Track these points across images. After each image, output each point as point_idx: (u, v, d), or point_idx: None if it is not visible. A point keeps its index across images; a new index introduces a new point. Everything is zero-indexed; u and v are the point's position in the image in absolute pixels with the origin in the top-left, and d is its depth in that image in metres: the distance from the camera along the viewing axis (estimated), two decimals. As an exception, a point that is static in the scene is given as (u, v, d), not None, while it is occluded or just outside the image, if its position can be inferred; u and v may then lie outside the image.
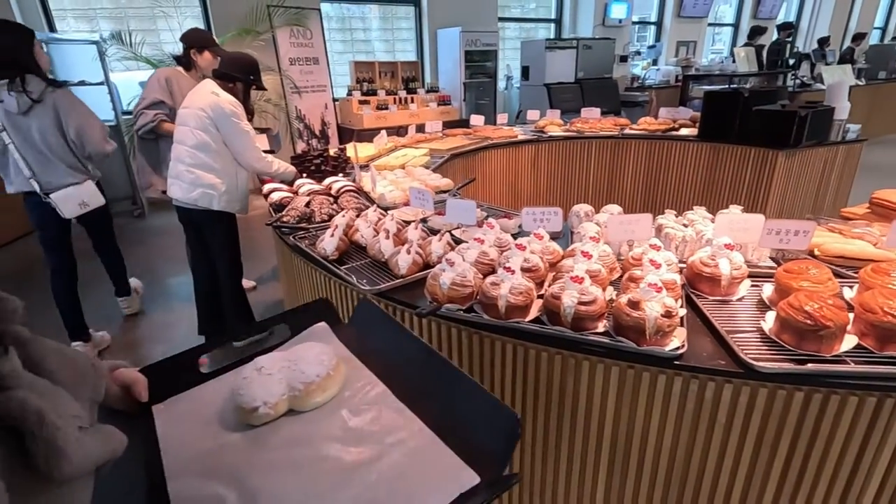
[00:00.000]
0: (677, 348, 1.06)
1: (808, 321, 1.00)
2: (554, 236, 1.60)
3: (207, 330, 2.82)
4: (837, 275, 1.38)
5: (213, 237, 2.51)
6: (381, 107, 6.26)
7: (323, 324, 0.88)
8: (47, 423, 0.42)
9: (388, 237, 1.59)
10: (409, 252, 1.48)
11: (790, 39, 7.88)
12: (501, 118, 4.61)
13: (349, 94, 6.34)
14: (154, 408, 0.72)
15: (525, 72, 7.46)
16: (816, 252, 1.48)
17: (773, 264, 1.46)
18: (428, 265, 1.53)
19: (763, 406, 1.04)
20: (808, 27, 11.64)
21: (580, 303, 1.11)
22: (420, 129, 4.17)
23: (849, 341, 1.03)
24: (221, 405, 0.73)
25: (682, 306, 1.22)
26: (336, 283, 1.59)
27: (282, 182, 2.55)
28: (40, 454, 0.42)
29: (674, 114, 4.38)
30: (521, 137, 4.13)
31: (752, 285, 1.32)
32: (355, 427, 0.67)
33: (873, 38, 11.91)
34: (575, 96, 7.32)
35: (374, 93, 6.39)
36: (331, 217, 2.00)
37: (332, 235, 1.64)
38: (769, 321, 1.13)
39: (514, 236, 1.72)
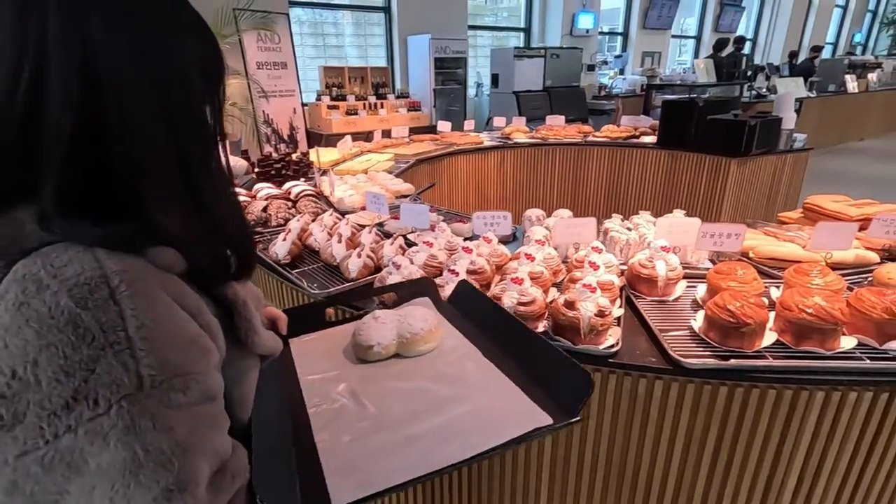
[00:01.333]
0: (612, 346, 1.10)
1: (731, 319, 1.06)
2: (505, 240, 1.63)
3: None
4: (768, 275, 1.46)
5: None
6: (351, 112, 6.25)
7: (426, 298, 1.03)
8: (248, 308, 0.58)
9: (340, 241, 1.60)
10: (360, 256, 1.49)
11: (744, 52, 8.22)
12: (468, 124, 4.67)
13: (318, 98, 6.31)
14: (291, 341, 0.88)
15: (495, 79, 7.56)
16: (751, 254, 1.55)
17: (711, 265, 1.53)
18: (380, 269, 1.54)
19: (692, 401, 1.09)
20: (765, 41, 12.18)
21: (519, 303, 1.14)
22: (387, 134, 4.18)
23: (769, 337, 1.09)
24: (343, 345, 0.89)
25: (620, 306, 1.27)
26: (288, 287, 1.59)
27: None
28: (242, 328, 0.58)
29: (635, 122, 4.52)
30: (486, 144, 4.19)
31: (689, 286, 1.38)
32: (449, 373, 0.79)
33: (825, 54, 12.52)
34: (543, 104, 7.45)
35: (343, 98, 6.38)
36: (287, 221, 1.99)
37: (285, 240, 1.63)
38: (699, 320, 1.18)
39: (470, 240, 1.75)
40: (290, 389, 0.78)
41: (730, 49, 7.98)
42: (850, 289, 1.26)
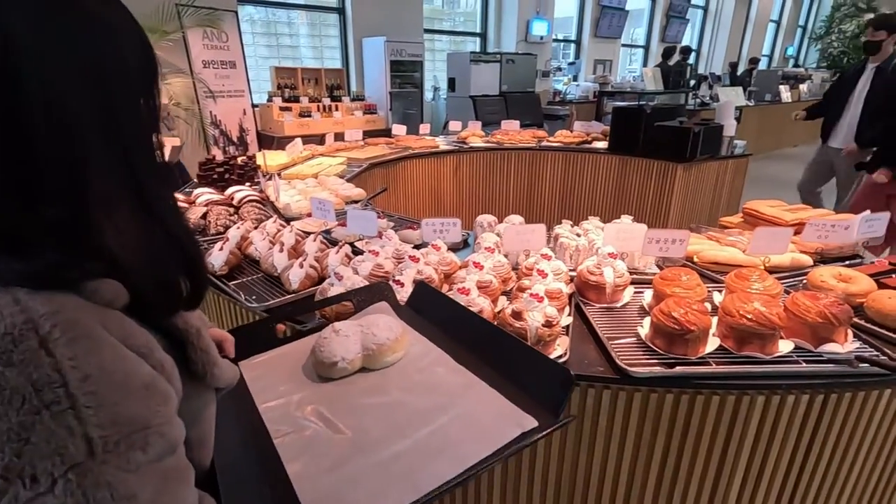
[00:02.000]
0: (559, 357, 1.08)
1: (675, 326, 1.06)
2: (456, 247, 1.60)
3: None
4: (711, 279, 1.49)
5: None
6: (304, 114, 6.08)
7: (384, 303, 0.97)
8: (203, 337, 0.52)
9: (281, 250, 1.51)
10: (302, 266, 1.41)
11: (689, 62, 8.61)
12: (424, 128, 4.63)
13: (269, 100, 6.11)
14: (241, 363, 0.79)
15: (451, 83, 7.57)
16: (695, 258, 1.58)
17: (658, 271, 1.55)
18: (324, 279, 1.47)
19: (639, 409, 1.08)
20: (707, 52, 12.81)
21: (466, 315, 1.10)
22: (340, 137, 4.08)
23: (713, 343, 1.10)
24: (301, 363, 0.82)
25: (569, 314, 1.26)
26: (225, 300, 1.49)
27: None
28: (199, 362, 0.51)
29: (587, 127, 4.62)
30: (442, 148, 4.17)
31: (636, 291, 1.39)
32: (422, 382, 0.74)
33: (761, 65, 13.30)
34: (500, 108, 7.52)
35: (296, 99, 6.21)
36: (227, 229, 1.88)
37: (221, 249, 1.53)
38: (646, 327, 1.18)
39: (419, 248, 1.70)
40: (249, 420, 0.71)
41: (677, 58, 8.34)
42: (788, 292, 1.29)
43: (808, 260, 1.56)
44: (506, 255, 1.57)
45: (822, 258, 1.63)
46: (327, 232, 1.86)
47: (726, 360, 1.08)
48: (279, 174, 2.98)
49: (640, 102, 6.61)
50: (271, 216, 2.01)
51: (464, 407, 0.68)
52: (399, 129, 4.46)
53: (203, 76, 5.45)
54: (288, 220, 2.08)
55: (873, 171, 3.23)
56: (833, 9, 13.95)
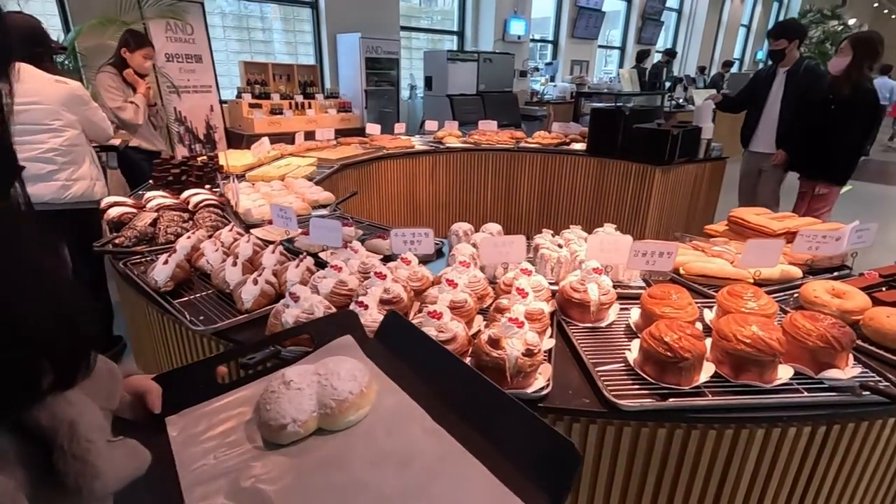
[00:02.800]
0: (541, 389, 0.96)
1: (668, 353, 0.96)
2: (429, 258, 1.47)
3: None
4: (699, 294, 1.40)
5: (84, 237, 2.23)
6: (275, 111, 5.85)
7: (349, 337, 0.79)
8: (79, 436, 0.38)
9: (234, 264, 1.36)
10: (256, 282, 1.26)
11: (668, 65, 8.68)
12: (399, 127, 4.49)
13: (238, 96, 5.87)
14: (168, 420, 0.65)
15: (428, 82, 7.44)
16: (681, 270, 1.49)
17: (644, 284, 1.46)
18: (282, 296, 1.33)
19: (629, 444, 0.98)
20: (681, 55, 12.98)
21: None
22: (311, 136, 3.90)
23: (707, 369, 1.00)
24: (244, 419, 0.66)
25: (551, 336, 1.15)
26: (170, 321, 1.33)
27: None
28: (71, 472, 0.37)
29: (565, 128, 4.55)
30: (418, 148, 4.03)
31: (622, 309, 1.29)
32: (391, 451, 0.60)
33: (733, 68, 13.57)
34: (477, 108, 7.42)
35: (267, 96, 5.97)
36: (178, 237, 1.71)
37: (166, 262, 1.37)
38: (634, 349, 1.08)
39: (388, 259, 1.57)
40: (166, 499, 0.56)
41: (657, 60, 8.38)
42: (783, 311, 1.21)
43: (797, 272, 1.49)
44: (482, 268, 1.46)
45: (811, 269, 1.56)
46: (289, 241, 1.71)
47: (723, 390, 0.98)
48: (243, 176, 2.81)
49: (618, 104, 6.60)
50: (229, 223, 1.85)
51: (444, 490, 0.54)
52: (373, 129, 4.31)
53: (166, 70, 5.17)
54: (248, 228, 1.92)
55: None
56: (800, 14, 14.33)
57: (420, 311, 1.16)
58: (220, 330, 1.20)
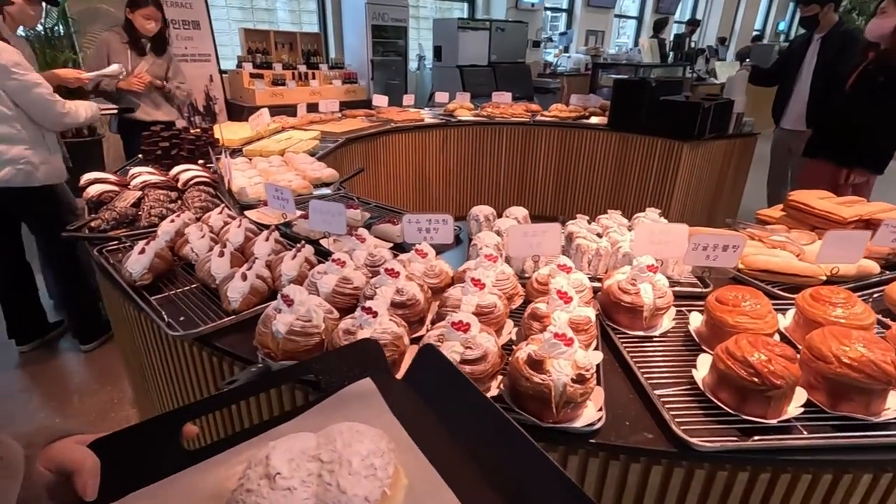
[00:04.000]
0: (592, 423, 0.77)
1: (755, 379, 0.76)
2: (443, 249, 1.27)
3: (22, 331, 2.34)
4: (768, 294, 1.19)
5: (37, 219, 2.11)
6: (278, 82, 5.58)
7: (368, 382, 0.55)
8: None
9: (221, 254, 1.17)
10: (244, 277, 1.07)
11: (693, 36, 8.24)
12: (408, 99, 4.22)
13: (238, 65, 5.59)
14: None
15: (438, 52, 7.09)
16: (740, 265, 1.28)
17: (695, 280, 1.25)
18: (276, 294, 1.14)
19: (700, 489, 0.79)
20: (701, 25, 12.39)
21: (464, 360, 0.79)
22: (313, 108, 3.66)
23: (798, 397, 0.81)
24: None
25: (597, 347, 0.95)
26: (147, 321, 1.15)
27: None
28: None
29: (584, 101, 4.26)
30: (428, 121, 3.79)
31: (677, 311, 1.09)
32: None
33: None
34: (488, 80, 7.09)
35: (269, 66, 5.69)
36: (163, 220, 1.52)
37: (143, 251, 1.18)
38: (701, 368, 0.88)
39: (400, 248, 1.37)
40: None
41: (681, 31, 7.95)
42: (882, 324, 1.01)
43: (874, 267, 1.28)
44: (507, 261, 1.26)
45: (887, 262, 1.35)
46: (287, 225, 1.51)
47: (819, 424, 0.79)
48: (240, 150, 2.60)
49: (639, 76, 6.25)
50: (220, 204, 1.65)
51: None
52: (380, 101, 4.05)
53: (162, 37, 4.90)
54: (244, 210, 1.73)
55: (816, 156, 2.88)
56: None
57: (439, 315, 0.97)
58: (203, 335, 1.01)
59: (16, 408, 2.04)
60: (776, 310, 1.08)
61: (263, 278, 1.12)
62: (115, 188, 1.75)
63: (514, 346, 0.95)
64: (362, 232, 1.18)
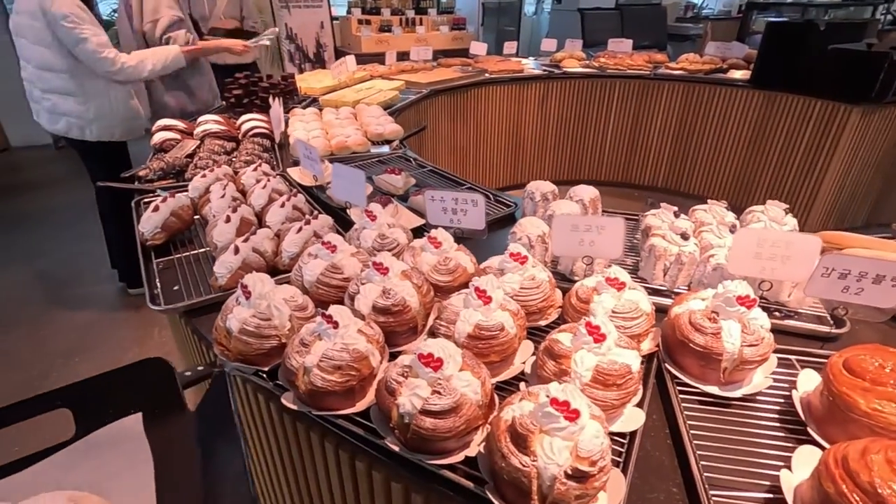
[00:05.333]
0: (596, 531, 0.52)
1: (887, 530, 0.45)
2: (471, 235, 1.03)
3: (131, 276, 2.49)
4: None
5: (92, 171, 2.15)
6: (384, 28, 5.46)
7: (137, 420, 0.49)
8: None
9: (228, 220, 1.06)
10: (236, 251, 0.95)
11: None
12: (509, 47, 3.82)
13: (348, 11, 5.55)
14: None
15: (558, -7, 6.41)
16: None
17: (822, 313, 0.88)
18: (276, 270, 1.01)
19: None
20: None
21: (426, 411, 0.58)
22: (403, 56, 3.47)
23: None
24: None
25: (640, 401, 0.68)
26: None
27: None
28: None
29: (724, 50, 3.51)
30: (528, 72, 3.39)
31: (781, 364, 0.75)
32: None
33: None
34: (614, 25, 6.25)
35: (377, 11, 5.58)
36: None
37: (157, 209, 1.12)
38: (799, 469, 0.58)
39: (422, 230, 1.16)
40: None
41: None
42: None
43: None
44: (554, 261, 0.99)
45: None
46: (321, 189, 1.37)
47: None
48: (315, 100, 2.51)
49: (807, 17, 5.04)
50: (267, 159, 1.56)
51: None
52: (478, 48, 3.72)
53: (276, -18, 4.99)
54: (297, 166, 1.63)
55: None
56: None
57: (434, 328, 0.76)
58: (182, 309, 0.92)
59: (111, 332, 2.27)
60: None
61: (261, 252, 0.99)
62: (178, 136, 1.75)
63: (524, 381, 0.72)
64: (374, 208, 0.98)
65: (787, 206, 1.02)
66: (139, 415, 0.48)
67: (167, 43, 2.14)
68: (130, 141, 2.17)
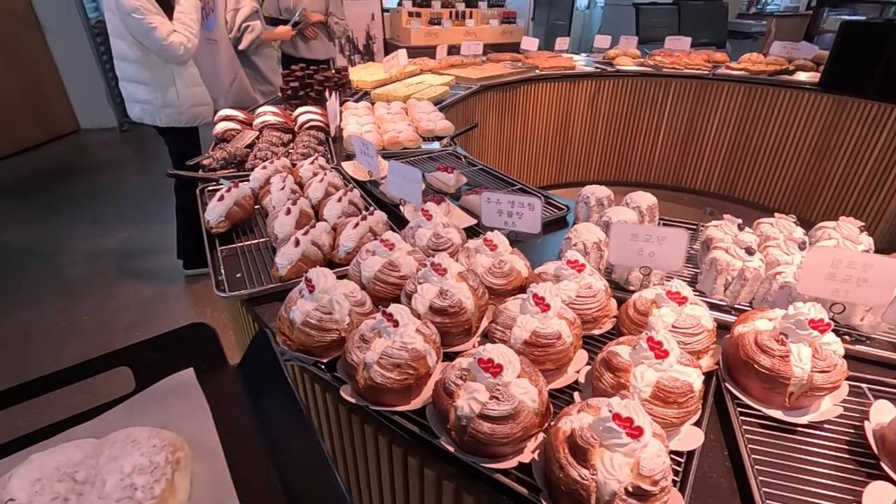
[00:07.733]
0: (653, 549, 0.52)
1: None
2: (525, 238, 1.03)
3: (187, 257, 2.61)
4: None
5: (170, 154, 2.29)
6: (434, 21, 5.47)
7: (188, 374, 0.53)
8: None
9: (288, 212, 1.10)
10: (297, 243, 0.98)
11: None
12: (562, 42, 3.75)
13: (399, 4, 5.59)
14: None
15: (613, -14, 6.22)
16: None
17: (899, 338, 0.83)
18: (333, 264, 1.04)
19: None
20: None
21: (484, 416, 0.58)
22: (454, 50, 3.47)
23: None
24: None
25: (699, 419, 0.66)
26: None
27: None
28: None
29: (791, 50, 3.32)
30: (579, 70, 3.32)
31: (852, 391, 0.72)
32: None
33: None
34: (670, 21, 6.03)
35: (428, 4, 5.59)
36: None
37: (222, 198, 1.17)
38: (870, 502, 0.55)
39: (475, 230, 1.16)
40: None
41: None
42: None
43: None
44: (609, 269, 0.98)
45: None
46: (374, 184, 1.40)
47: None
48: (368, 94, 2.55)
49: (886, 16, 4.71)
50: (322, 152, 1.60)
51: None
52: (530, 43, 3.68)
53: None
54: (350, 160, 1.66)
55: None
56: None
57: (489, 331, 0.77)
58: (254, 296, 0.96)
59: (168, 308, 2.40)
60: None
61: (319, 245, 1.02)
62: (238, 127, 1.82)
63: (578, 390, 0.72)
64: (430, 207, 1.00)
65: (863, 223, 0.97)
66: (191, 369, 0.53)
67: (246, 31, 2.31)
68: (202, 127, 2.26)
